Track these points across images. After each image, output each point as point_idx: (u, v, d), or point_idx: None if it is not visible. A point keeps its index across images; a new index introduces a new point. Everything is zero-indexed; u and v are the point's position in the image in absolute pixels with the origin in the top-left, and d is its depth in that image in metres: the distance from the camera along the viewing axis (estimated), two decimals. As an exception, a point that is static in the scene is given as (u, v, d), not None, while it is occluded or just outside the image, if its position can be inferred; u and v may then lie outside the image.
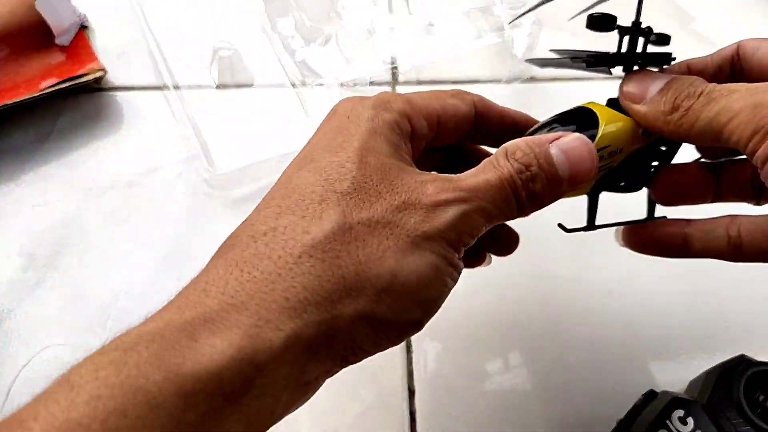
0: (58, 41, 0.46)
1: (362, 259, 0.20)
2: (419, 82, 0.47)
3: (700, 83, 0.23)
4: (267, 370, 0.18)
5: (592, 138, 0.24)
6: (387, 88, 0.46)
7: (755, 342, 0.35)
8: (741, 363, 0.29)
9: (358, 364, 0.34)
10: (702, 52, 0.49)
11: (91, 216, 0.40)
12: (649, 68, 0.27)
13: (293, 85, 0.45)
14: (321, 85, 0.42)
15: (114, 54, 0.48)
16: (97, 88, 0.46)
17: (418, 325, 0.22)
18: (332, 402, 0.34)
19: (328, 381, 0.34)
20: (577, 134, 0.23)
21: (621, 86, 0.25)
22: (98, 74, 0.44)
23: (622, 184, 0.28)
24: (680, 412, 0.28)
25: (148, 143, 0.44)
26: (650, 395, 0.30)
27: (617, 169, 0.26)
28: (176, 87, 0.45)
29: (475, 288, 0.37)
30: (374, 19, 0.43)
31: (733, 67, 0.26)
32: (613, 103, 0.26)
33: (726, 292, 0.37)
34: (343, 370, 0.34)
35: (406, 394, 0.34)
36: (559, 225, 0.28)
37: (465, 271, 0.36)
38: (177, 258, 0.38)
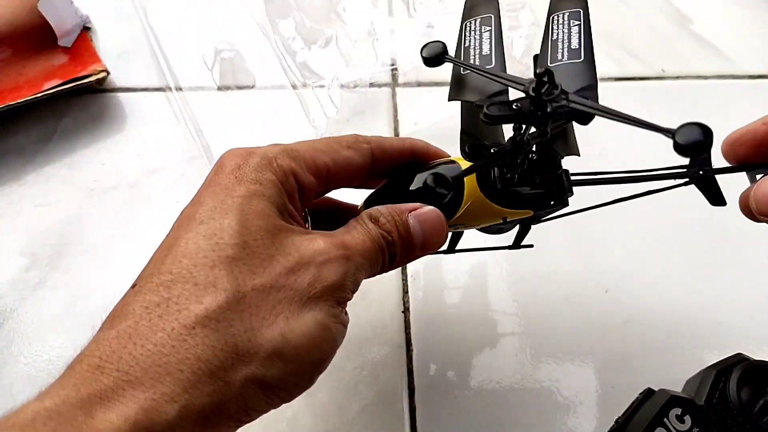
0: (60, 42, 0.46)
1: (255, 325, 0.20)
2: (419, 84, 0.47)
3: None
4: None
5: (456, 207, 0.25)
6: (387, 90, 0.47)
7: (752, 340, 0.36)
8: (738, 361, 0.29)
9: (358, 362, 0.35)
10: (701, 53, 0.49)
11: (93, 216, 0.41)
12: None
13: (294, 86, 0.45)
14: (322, 86, 0.42)
15: (116, 55, 0.48)
16: (99, 89, 0.46)
17: (308, 384, 0.22)
18: (333, 400, 0.34)
19: (329, 380, 0.34)
20: (432, 208, 0.24)
21: (751, 199, 0.24)
22: (101, 75, 0.45)
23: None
24: (678, 411, 0.28)
25: (150, 144, 0.44)
26: (648, 393, 0.31)
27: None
28: (178, 88, 0.45)
29: (474, 288, 0.37)
30: (374, 20, 0.43)
31: None
32: (475, 149, 0.26)
33: (723, 291, 0.37)
34: (344, 368, 0.34)
35: (406, 392, 0.34)
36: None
37: (464, 271, 0.36)
38: (179, 258, 0.39)
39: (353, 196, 0.30)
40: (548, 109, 0.21)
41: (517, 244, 0.30)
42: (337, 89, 0.41)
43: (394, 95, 0.46)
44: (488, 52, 0.25)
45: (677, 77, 0.48)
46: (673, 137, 0.19)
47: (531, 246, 0.30)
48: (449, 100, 0.26)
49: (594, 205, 0.28)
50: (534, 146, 0.24)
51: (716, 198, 0.28)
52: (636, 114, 0.50)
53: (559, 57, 0.24)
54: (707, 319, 0.36)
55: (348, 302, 0.23)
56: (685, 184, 0.28)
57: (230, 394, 0.20)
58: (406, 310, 0.37)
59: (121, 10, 0.51)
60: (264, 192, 0.23)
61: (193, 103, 0.44)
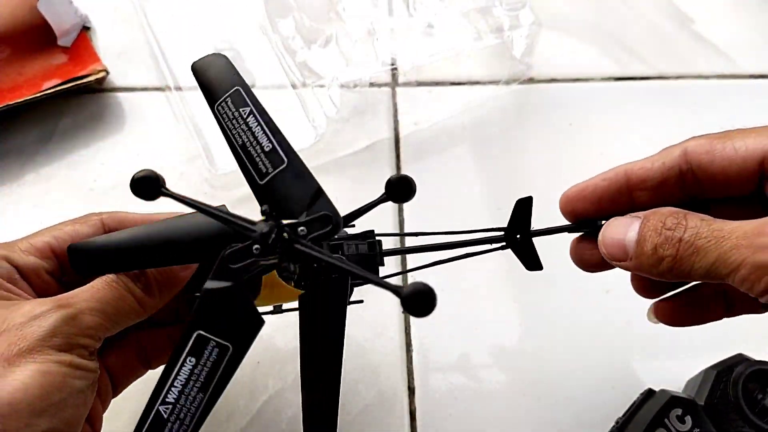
0: (60, 42, 0.46)
1: None
2: (419, 84, 0.47)
3: (674, 224, 0.21)
4: None
5: (256, 293, 0.25)
6: (387, 89, 0.47)
7: (753, 341, 0.36)
8: (739, 362, 0.29)
9: (358, 362, 0.35)
10: (702, 52, 0.49)
11: (92, 216, 0.41)
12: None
13: (294, 86, 0.45)
14: (321, 86, 0.42)
15: (116, 55, 0.48)
16: (99, 88, 0.46)
17: None
18: (333, 401, 0.34)
19: (329, 380, 0.34)
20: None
21: (600, 244, 0.24)
22: (100, 75, 0.45)
23: None
24: (678, 411, 0.28)
25: (149, 144, 0.44)
26: (649, 394, 0.31)
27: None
28: (177, 88, 0.45)
29: (474, 288, 0.37)
30: (374, 20, 0.43)
31: (683, 177, 0.24)
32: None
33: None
34: (344, 368, 0.34)
35: (406, 392, 0.34)
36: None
37: (462, 268, 0.36)
38: (178, 258, 0.39)
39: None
40: (288, 252, 0.20)
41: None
42: (337, 89, 0.41)
43: (394, 95, 0.46)
44: (270, 145, 0.21)
45: (678, 77, 0.48)
46: (399, 295, 0.18)
47: (361, 301, 0.29)
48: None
49: (413, 268, 0.29)
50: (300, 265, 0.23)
51: (531, 263, 0.27)
52: (637, 114, 0.51)
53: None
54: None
55: (91, 346, 0.23)
56: (503, 248, 0.27)
57: None
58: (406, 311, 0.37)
59: (121, 10, 0.51)
60: None
61: (193, 103, 0.44)
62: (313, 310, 0.23)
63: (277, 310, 0.28)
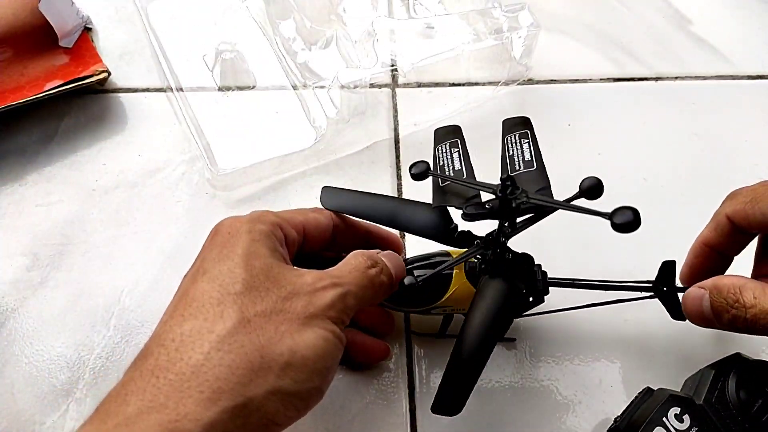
0: (61, 43, 0.46)
1: (264, 343, 0.23)
2: (419, 85, 0.47)
3: (734, 301, 0.27)
4: None
5: (443, 293, 0.31)
6: (387, 90, 0.47)
7: (751, 340, 0.36)
8: (737, 361, 0.30)
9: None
10: (700, 53, 0.49)
11: (94, 216, 0.41)
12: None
13: (294, 87, 0.46)
14: (322, 87, 0.42)
15: (117, 55, 0.48)
16: (100, 89, 0.46)
17: (319, 393, 0.25)
18: (333, 399, 0.34)
19: (329, 379, 0.34)
20: (388, 252, 0.31)
21: (687, 316, 0.30)
22: (102, 76, 0.45)
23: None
24: (677, 410, 0.28)
25: (151, 144, 0.44)
26: (647, 393, 0.31)
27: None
28: (179, 89, 0.45)
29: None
30: (374, 21, 0.43)
31: (734, 235, 0.31)
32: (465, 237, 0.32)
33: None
34: (344, 368, 0.35)
35: (406, 391, 0.34)
36: (412, 331, 0.36)
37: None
38: (180, 257, 0.39)
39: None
40: (513, 205, 0.26)
41: (501, 338, 0.35)
42: (337, 90, 0.41)
43: (394, 96, 0.47)
44: (459, 167, 0.31)
45: (676, 78, 0.48)
46: (610, 219, 0.23)
47: (514, 339, 0.36)
48: (434, 206, 0.31)
49: (568, 307, 0.34)
50: (506, 240, 0.29)
51: (677, 313, 0.33)
52: (636, 115, 0.51)
53: (517, 168, 0.30)
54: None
55: (345, 323, 0.27)
56: (650, 297, 0.33)
57: (251, 408, 0.22)
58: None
59: (122, 11, 0.51)
60: (256, 238, 0.27)
61: (194, 104, 0.44)
62: (484, 296, 0.28)
63: (425, 312, 0.33)
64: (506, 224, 0.28)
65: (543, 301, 0.32)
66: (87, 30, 0.48)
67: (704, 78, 0.48)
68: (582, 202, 0.26)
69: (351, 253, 0.29)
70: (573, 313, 0.35)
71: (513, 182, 0.26)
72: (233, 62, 0.46)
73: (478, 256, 0.31)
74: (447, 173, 0.31)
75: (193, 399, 0.21)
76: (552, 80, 0.48)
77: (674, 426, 0.28)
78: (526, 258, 0.31)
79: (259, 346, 0.23)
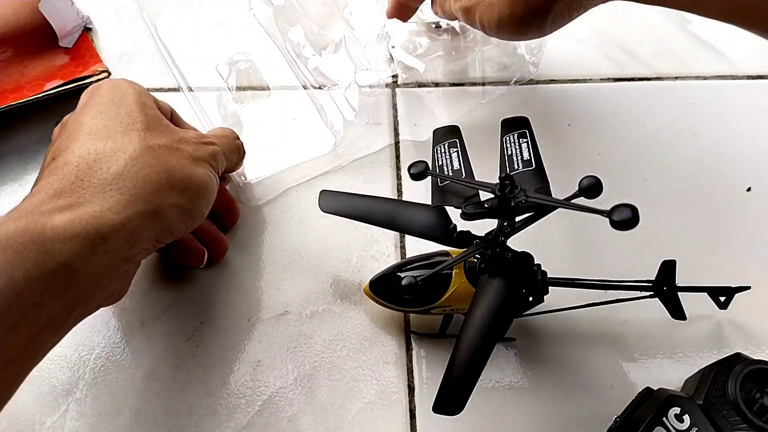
0: (61, 43, 0.46)
1: (168, 168, 0.29)
2: (419, 85, 0.47)
3: None
4: (109, 239, 0.26)
5: (443, 292, 0.32)
6: (387, 90, 0.47)
7: (751, 340, 0.36)
8: (737, 361, 0.30)
9: (358, 362, 0.35)
10: (700, 53, 0.50)
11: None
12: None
13: (306, 89, 0.45)
14: (335, 89, 0.43)
15: (117, 56, 0.48)
16: (100, 89, 0.46)
17: (202, 216, 0.31)
18: (333, 398, 0.34)
19: (329, 377, 0.34)
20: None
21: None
22: (102, 76, 0.45)
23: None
24: (676, 410, 0.28)
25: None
26: (647, 393, 0.31)
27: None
28: (189, 89, 0.45)
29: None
30: (382, 23, 0.43)
31: None
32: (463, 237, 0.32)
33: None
34: (344, 367, 0.35)
35: (405, 391, 0.34)
36: (412, 331, 0.36)
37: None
38: (179, 257, 0.39)
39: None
40: (512, 204, 0.26)
41: (501, 338, 0.35)
42: (356, 92, 0.41)
43: (394, 95, 0.47)
44: (458, 167, 0.31)
45: (676, 78, 0.48)
46: (609, 216, 0.23)
47: (514, 339, 0.36)
48: (433, 205, 0.31)
49: (568, 307, 0.34)
50: (505, 239, 0.29)
51: (677, 312, 0.33)
52: (636, 115, 0.51)
53: (516, 167, 0.30)
54: (706, 318, 0.36)
55: (219, 174, 0.33)
56: (650, 296, 0.33)
57: (158, 215, 0.28)
58: (406, 310, 0.37)
59: (122, 11, 0.51)
60: (142, 92, 0.32)
61: (213, 116, 0.44)
62: (484, 294, 0.28)
63: (425, 312, 0.33)
64: (505, 223, 0.28)
65: (543, 300, 0.32)
66: (87, 30, 0.48)
67: (704, 78, 0.48)
68: (582, 202, 0.26)
69: (215, 128, 0.38)
70: (573, 312, 0.35)
71: (512, 181, 0.26)
72: (248, 72, 0.46)
73: (477, 256, 0.31)
74: (446, 173, 0.31)
75: (115, 199, 0.27)
76: (552, 80, 0.48)
77: (674, 426, 0.28)
78: (526, 257, 0.31)
79: (165, 168, 0.29)
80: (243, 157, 0.37)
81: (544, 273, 0.32)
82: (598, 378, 0.35)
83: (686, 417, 0.28)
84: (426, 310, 0.33)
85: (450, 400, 0.27)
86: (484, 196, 0.29)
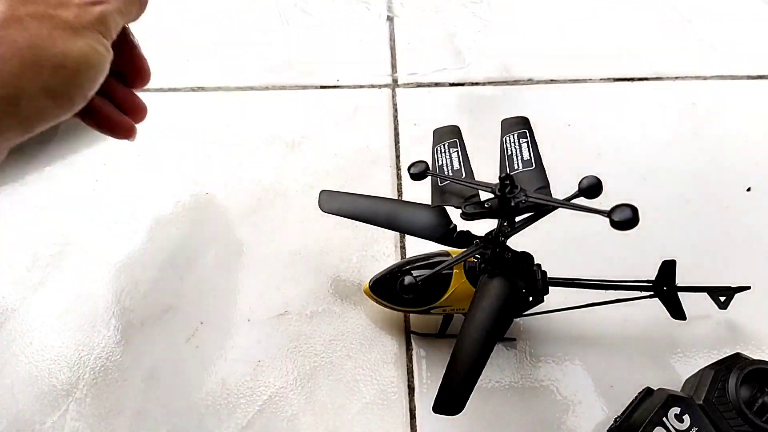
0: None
1: (38, 43, 0.24)
2: (419, 85, 0.47)
3: None
4: None
5: (443, 292, 0.32)
6: (387, 90, 0.47)
7: (751, 340, 0.36)
8: (737, 361, 0.30)
9: (358, 362, 0.35)
10: (700, 53, 0.50)
11: (94, 216, 0.41)
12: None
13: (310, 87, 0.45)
14: (334, 87, 0.42)
15: (117, 56, 0.48)
16: (100, 89, 0.46)
17: (84, 98, 0.27)
18: (333, 399, 0.34)
19: (329, 377, 0.34)
20: None
21: None
22: (101, 76, 0.45)
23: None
24: (677, 410, 0.28)
25: (151, 144, 0.44)
26: (647, 393, 0.31)
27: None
28: (178, 89, 0.45)
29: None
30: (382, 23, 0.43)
31: None
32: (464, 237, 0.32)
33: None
34: (344, 367, 0.35)
35: (405, 391, 0.34)
36: (412, 331, 0.36)
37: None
38: (180, 257, 0.39)
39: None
40: (512, 204, 0.26)
41: (501, 337, 0.36)
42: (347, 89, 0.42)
43: (394, 95, 0.47)
44: (458, 167, 0.31)
45: (676, 78, 0.48)
46: (609, 216, 0.23)
47: (514, 339, 0.36)
48: (433, 206, 0.31)
49: (568, 307, 0.34)
50: (505, 239, 0.29)
51: (677, 312, 0.33)
52: (636, 115, 0.51)
53: (516, 167, 0.30)
54: (706, 318, 0.36)
55: (112, 39, 0.28)
56: (650, 296, 0.33)
57: (22, 100, 0.24)
58: (406, 310, 0.37)
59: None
60: None
61: (195, 104, 0.44)
62: (485, 294, 0.28)
63: (425, 312, 0.33)
64: (505, 223, 0.28)
65: (543, 300, 0.32)
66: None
67: (704, 78, 0.48)
68: (582, 202, 0.26)
69: None
70: (573, 313, 0.35)
71: (512, 181, 0.26)
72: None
73: (477, 256, 0.31)
74: (446, 173, 0.31)
75: None
76: (552, 80, 0.48)
77: (674, 426, 0.28)
78: (526, 257, 0.31)
79: (32, 44, 0.24)
80: (145, 5, 0.30)
81: (544, 273, 0.32)
82: (598, 378, 0.35)
83: (686, 417, 0.28)
84: (426, 310, 0.33)
85: (450, 400, 0.27)
86: (485, 196, 0.29)
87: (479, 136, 0.40)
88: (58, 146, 0.44)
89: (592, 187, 0.27)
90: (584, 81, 0.48)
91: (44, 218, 0.40)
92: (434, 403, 0.27)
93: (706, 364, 0.31)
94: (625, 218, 0.23)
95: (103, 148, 0.44)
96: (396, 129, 0.45)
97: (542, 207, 0.27)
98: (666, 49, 0.50)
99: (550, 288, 0.32)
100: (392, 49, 0.50)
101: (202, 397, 0.34)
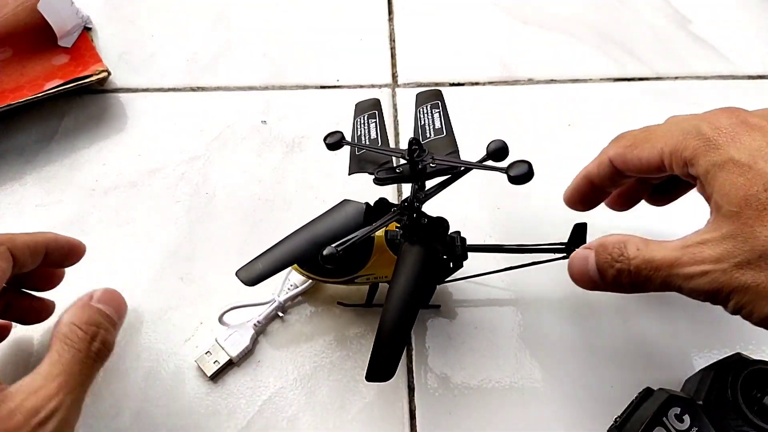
0: (61, 43, 0.46)
1: None
2: (419, 85, 0.47)
3: (619, 256, 0.27)
4: None
5: (365, 261, 0.32)
6: (387, 90, 0.47)
7: (751, 340, 0.36)
8: (737, 361, 0.30)
9: (358, 362, 0.35)
10: (700, 53, 0.50)
11: (94, 216, 0.41)
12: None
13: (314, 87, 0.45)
14: (334, 87, 0.42)
15: (117, 55, 0.48)
16: (100, 89, 0.46)
17: None
18: (333, 399, 0.34)
19: (329, 377, 0.34)
20: (104, 287, 0.31)
21: (572, 278, 0.29)
22: (101, 75, 0.45)
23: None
24: (677, 410, 0.28)
25: (150, 144, 0.44)
26: (647, 393, 0.31)
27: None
28: (178, 89, 0.45)
29: (474, 288, 0.38)
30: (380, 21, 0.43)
31: (615, 175, 0.32)
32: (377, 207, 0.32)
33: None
34: (344, 367, 0.35)
35: (405, 391, 0.34)
36: (339, 302, 0.37)
37: (464, 274, 0.36)
38: (180, 257, 0.39)
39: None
40: (420, 167, 0.28)
41: (425, 304, 0.36)
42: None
43: (394, 95, 0.47)
44: (375, 136, 0.32)
45: (676, 78, 0.48)
46: (506, 173, 0.24)
47: (439, 306, 0.37)
48: (350, 173, 0.31)
49: (488, 272, 0.35)
50: (420, 204, 0.30)
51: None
52: (636, 114, 0.51)
53: (428, 135, 0.32)
54: (706, 318, 0.36)
55: None
56: (564, 258, 0.34)
57: None
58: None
59: (122, 11, 0.51)
60: None
61: (195, 104, 0.44)
62: (405, 261, 0.29)
63: (349, 282, 0.34)
64: (417, 187, 0.29)
65: (462, 265, 0.33)
66: (87, 30, 0.48)
67: (704, 78, 0.48)
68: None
69: (60, 333, 0.27)
70: (573, 313, 0.35)
71: (420, 145, 0.27)
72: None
73: (398, 225, 0.32)
74: (364, 143, 0.32)
75: None
76: (552, 80, 0.48)
77: (674, 426, 0.28)
78: (441, 222, 0.32)
79: None
80: (108, 346, 0.29)
81: (464, 239, 0.33)
82: (598, 378, 0.35)
83: (686, 417, 0.28)
84: (350, 280, 0.33)
85: (380, 368, 0.28)
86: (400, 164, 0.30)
87: (480, 137, 0.40)
88: (57, 146, 0.44)
89: (498, 150, 0.28)
90: (584, 81, 0.48)
91: (44, 218, 0.40)
92: (366, 372, 0.28)
93: (706, 364, 0.31)
94: (521, 173, 0.24)
95: (103, 147, 0.44)
96: (396, 129, 0.45)
97: (449, 169, 0.29)
98: (666, 49, 0.50)
99: (478, 256, 0.33)
100: (392, 48, 0.50)
101: (201, 397, 0.34)
